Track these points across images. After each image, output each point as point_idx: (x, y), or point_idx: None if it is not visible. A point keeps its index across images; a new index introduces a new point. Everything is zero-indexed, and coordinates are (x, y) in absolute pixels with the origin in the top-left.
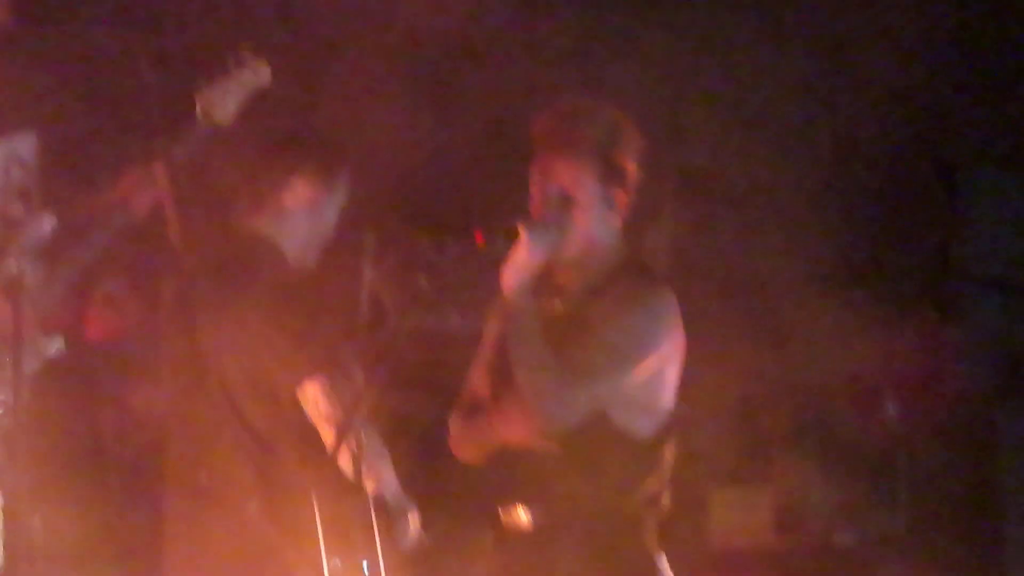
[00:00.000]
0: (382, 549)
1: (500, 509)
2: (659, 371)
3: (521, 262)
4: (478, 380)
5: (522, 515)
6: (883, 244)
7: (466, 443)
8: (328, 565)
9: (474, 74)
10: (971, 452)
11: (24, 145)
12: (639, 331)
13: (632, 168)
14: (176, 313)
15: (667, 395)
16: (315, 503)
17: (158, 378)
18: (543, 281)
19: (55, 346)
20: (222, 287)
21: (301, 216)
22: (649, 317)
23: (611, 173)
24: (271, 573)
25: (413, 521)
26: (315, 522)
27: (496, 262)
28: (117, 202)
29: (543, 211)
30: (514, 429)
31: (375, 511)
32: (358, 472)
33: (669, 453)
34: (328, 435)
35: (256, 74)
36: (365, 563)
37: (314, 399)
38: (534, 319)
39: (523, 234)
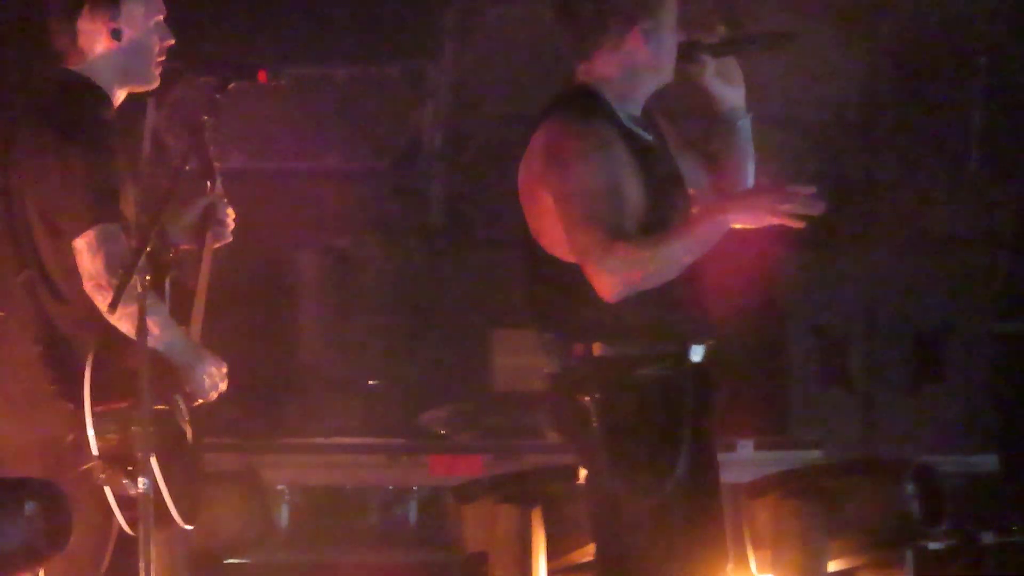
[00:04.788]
0: (180, 398)
1: None
2: None
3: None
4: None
5: None
6: None
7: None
8: (92, 423)
9: None
10: None
11: None
12: None
13: None
14: None
15: None
16: (89, 358)
17: None
18: None
19: None
20: (37, 126)
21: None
22: None
23: None
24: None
25: (210, 370)
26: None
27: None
28: None
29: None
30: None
31: (161, 365)
32: (138, 328)
33: None
34: (94, 292)
35: None
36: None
37: (84, 251)
38: None
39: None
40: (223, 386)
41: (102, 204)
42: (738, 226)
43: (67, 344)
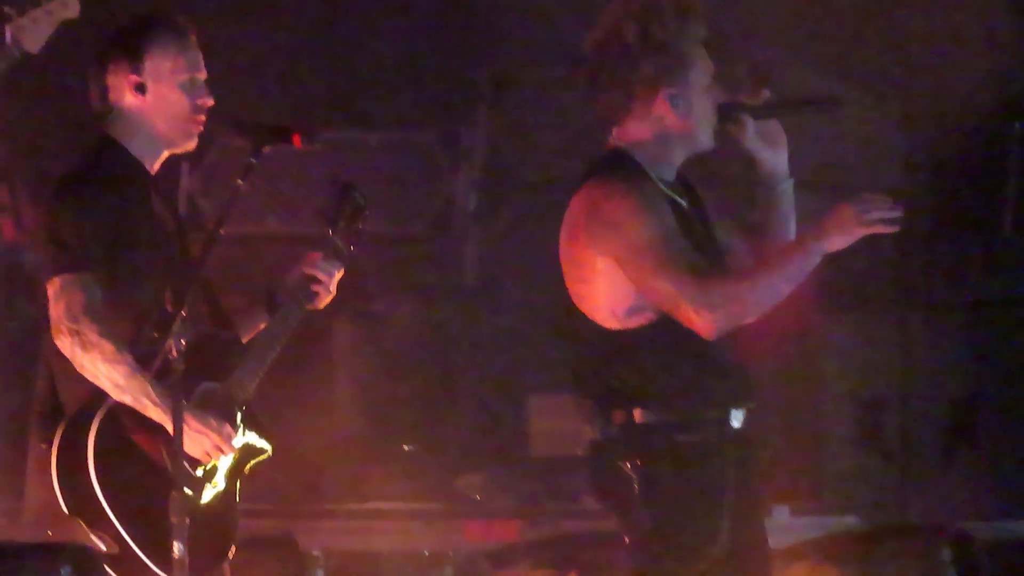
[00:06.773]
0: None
1: None
2: None
3: None
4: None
5: None
6: None
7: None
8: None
9: None
10: None
11: None
12: None
13: None
14: None
15: None
16: (66, 418)
17: None
18: None
19: None
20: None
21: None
22: None
23: None
24: None
25: (194, 430)
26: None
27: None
28: None
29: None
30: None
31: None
32: (173, 387)
33: None
34: (55, 337)
35: (65, 6)
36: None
37: (50, 299)
38: None
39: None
40: (215, 446)
41: (69, 254)
42: (834, 248)
43: (58, 401)
